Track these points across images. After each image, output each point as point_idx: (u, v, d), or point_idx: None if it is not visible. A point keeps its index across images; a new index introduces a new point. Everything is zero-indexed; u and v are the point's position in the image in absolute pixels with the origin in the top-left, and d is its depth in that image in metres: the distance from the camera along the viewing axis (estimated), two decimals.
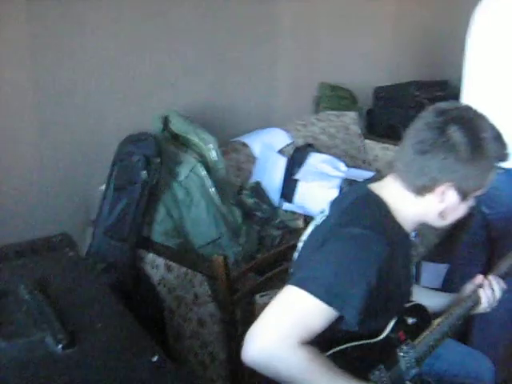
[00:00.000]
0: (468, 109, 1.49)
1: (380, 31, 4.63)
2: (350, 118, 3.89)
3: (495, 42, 2.33)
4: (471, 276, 1.79)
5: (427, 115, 1.45)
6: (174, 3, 2.89)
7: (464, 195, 1.47)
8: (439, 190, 1.44)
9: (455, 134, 1.39)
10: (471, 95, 2.50)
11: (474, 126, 1.42)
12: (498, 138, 1.45)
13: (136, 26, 2.75)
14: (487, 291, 1.71)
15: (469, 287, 1.76)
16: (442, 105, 1.48)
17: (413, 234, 2.78)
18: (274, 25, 3.52)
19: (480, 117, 1.46)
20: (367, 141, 4.00)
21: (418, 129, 1.45)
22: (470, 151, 1.39)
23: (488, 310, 1.74)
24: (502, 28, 2.30)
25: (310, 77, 3.96)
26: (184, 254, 2.43)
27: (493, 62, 2.36)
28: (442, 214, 1.51)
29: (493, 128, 1.45)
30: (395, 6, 4.70)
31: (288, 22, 3.61)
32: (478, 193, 1.50)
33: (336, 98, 4.05)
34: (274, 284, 1.95)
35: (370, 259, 1.35)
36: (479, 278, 1.75)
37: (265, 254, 2.12)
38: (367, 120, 4.55)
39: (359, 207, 1.49)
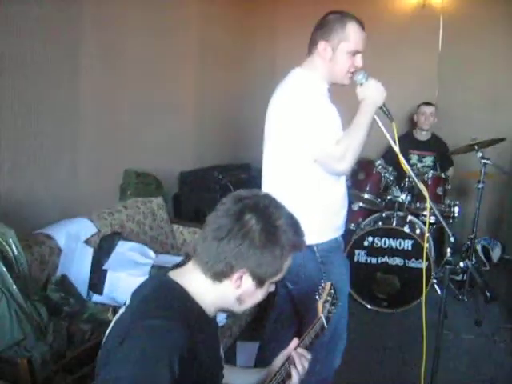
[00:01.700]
0: (265, 197, 1.55)
1: (183, 117, 4.77)
2: (157, 203, 3.91)
3: (279, 129, 2.51)
4: (279, 352, 1.81)
5: (226, 202, 1.51)
6: None
7: (260, 281, 1.52)
8: (235, 276, 1.48)
9: (250, 221, 1.45)
10: (266, 177, 2.66)
11: (269, 213, 1.49)
12: (293, 226, 1.53)
13: None
14: (297, 365, 1.74)
15: (279, 360, 1.77)
16: (242, 192, 1.54)
17: (224, 315, 2.81)
18: (75, 112, 3.48)
19: (276, 205, 1.53)
20: (175, 225, 4.02)
21: (217, 215, 1.49)
22: (263, 239, 1.46)
23: (298, 382, 1.77)
24: (279, 118, 2.49)
25: (114, 164, 3.93)
26: None
27: (277, 145, 2.54)
28: (239, 300, 1.55)
29: (289, 217, 1.53)
30: (194, 91, 4.89)
31: (90, 110, 3.59)
32: (276, 278, 1.56)
33: (142, 184, 4.05)
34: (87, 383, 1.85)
35: (169, 349, 1.33)
36: (292, 345, 1.78)
37: (75, 352, 2.02)
38: (174, 205, 4.60)
39: (157, 296, 1.48)
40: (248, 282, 1.52)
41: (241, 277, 1.50)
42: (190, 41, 4.77)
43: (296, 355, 1.73)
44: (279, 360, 1.77)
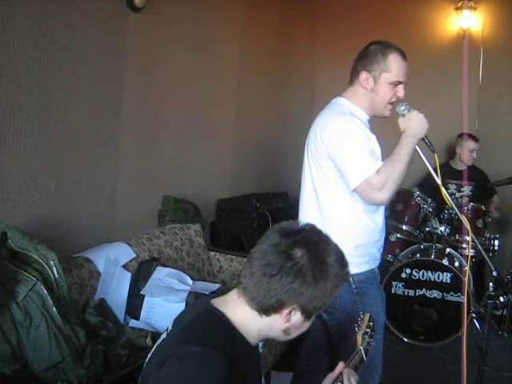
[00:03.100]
0: (313, 231, 1.55)
1: (220, 145, 4.80)
2: (194, 230, 3.93)
3: (320, 157, 2.52)
4: (314, 383, 1.80)
5: (273, 236, 1.50)
6: None
7: (309, 314, 1.52)
8: (285, 311, 1.48)
9: (301, 258, 1.45)
10: (304, 206, 2.66)
11: (319, 250, 1.49)
12: (340, 260, 1.53)
13: None
14: (345, 381, 1.73)
15: (327, 382, 1.77)
16: (288, 225, 1.54)
17: (260, 344, 2.80)
18: (115, 139, 3.53)
19: (325, 239, 1.54)
20: (212, 253, 4.03)
21: (265, 250, 1.48)
22: (315, 276, 1.45)
23: None
24: (320, 145, 2.50)
25: (153, 190, 3.98)
26: (22, 381, 2.24)
27: (317, 174, 2.55)
28: (286, 331, 1.55)
29: (337, 250, 1.54)
30: (234, 118, 4.93)
31: (129, 137, 3.65)
32: (322, 310, 1.56)
33: (180, 210, 4.08)
34: None
35: (208, 376, 1.33)
36: (338, 369, 1.77)
37: (111, 376, 2.03)
38: (211, 232, 4.62)
39: (199, 324, 1.49)
40: (297, 316, 1.52)
41: (290, 312, 1.50)
42: (231, 66, 4.82)
43: (345, 374, 1.72)
44: (326, 382, 1.76)
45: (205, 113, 4.48)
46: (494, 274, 2.35)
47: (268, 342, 2.10)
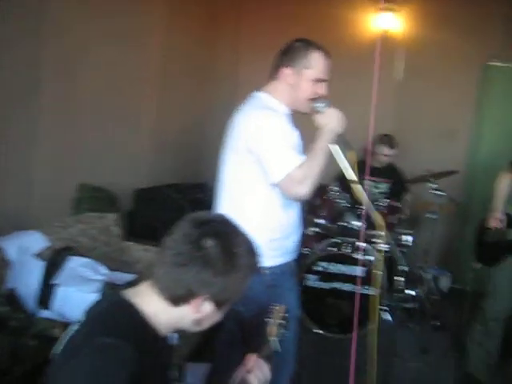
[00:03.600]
0: (224, 221, 1.57)
1: (140, 134, 4.74)
2: (111, 219, 3.87)
3: (240, 152, 2.52)
4: (231, 374, 1.81)
5: (184, 226, 1.50)
6: None
7: (220, 305, 1.53)
8: (196, 301, 1.48)
9: (212, 249, 1.45)
10: (221, 198, 2.66)
11: (229, 239, 1.50)
12: (251, 251, 1.55)
13: None
14: (258, 374, 1.75)
15: (238, 375, 1.79)
16: (200, 216, 1.54)
17: (175, 336, 2.79)
18: (31, 125, 3.43)
19: (236, 230, 1.55)
20: (128, 243, 3.99)
21: (176, 240, 1.48)
22: (225, 265, 1.47)
23: None
24: (239, 140, 2.51)
25: (70, 178, 3.89)
26: None
27: (236, 168, 2.56)
28: (197, 322, 1.55)
29: (247, 242, 1.55)
30: (155, 108, 4.88)
31: (47, 124, 3.55)
32: (234, 300, 1.57)
33: (97, 199, 4.01)
34: None
35: (118, 368, 1.33)
36: (250, 361, 1.79)
37: (20, 367, 1.98)
38: (128, 222, 4.56)
39: (111, 316, 1.47)
40: (208, 307, 1.53)
41: (201, 302, 1.50)
42: (152, 56, 4.76)
43: (256, 365, 1.76)
44: (238, 376, 1.78)
45: (125, 102, 4.42)
46: (404, 268, 2.43)
47: (183, 333, 2.09)
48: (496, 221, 3.81)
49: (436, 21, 5.96)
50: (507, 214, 3.85)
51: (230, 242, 1.50)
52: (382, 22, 5.96)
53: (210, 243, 1.46)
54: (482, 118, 6.10)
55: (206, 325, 1.59)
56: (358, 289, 4.25)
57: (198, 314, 1.52)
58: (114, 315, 1.47)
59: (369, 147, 5.36)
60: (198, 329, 1.59)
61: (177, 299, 1.50)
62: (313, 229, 4.74)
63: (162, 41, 4.83)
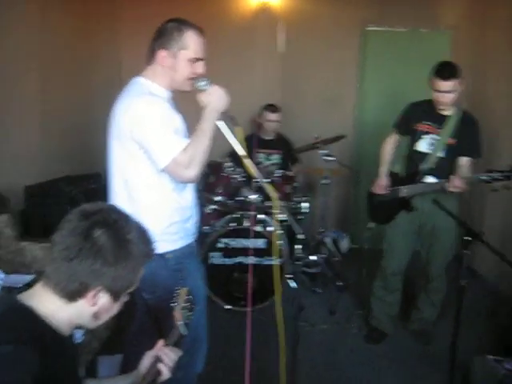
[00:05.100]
0: (113, 210, 1.54)
1: (26, 129, 4.56)
2: (2, 221, 3.72)
3: (124, 140, 2.48)
4: None
5: (72, 219, 1.47)
6: None
7: (116, 295, 1.52)
8: (90, 294, 1.46)
9: (100, 238, 1.43)
10: (113, 187, 2.62)
11: (118, 228, 1.48)
12: (142, 237, 1.53)
13: None
14: (166, 361, 1.76)
15: (145, 361, 1.79)
16: (87, 207, 1.51)
17: (80, 332, 2.75)
18: None
19: (125, 217, 1.53)
20: (23, 243, 3.85)
21: (64, 234, 1.45)
22: (116, 254, 1.45)
23: (169, 376, 1.78)
24: (122, 128, 2.47)
25: None
26: None
27: (123, 155, 2.52)
28: (95, 316, 1.54)
29: (139, 227, 1.54)
30: (40, 99, 4.70)
31: None
32: (131, 290, 1.56)
33: None
34: None
35: (22, 376, 1.30)
36: (157, 347, 1.80)
37: None
38: (21, 221, 4.40)
39: (6, 322, 1.42)
40: (104, 298, 1.51)
41: (96, 294, 1.48)
42: (31, 47, 4.57)
43: (163, 353, 1.76)
44: (146, 361, 1.78)
45: (6, 94, 4.22)
46: (300, 236, 2.49)
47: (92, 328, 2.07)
48: (380, 187, 3.98)
49: None
50: (394, 174, 4.02)
51: (119, 230, 1.48)
52: None
53: (98, 233, 1.44)
54: (364, 82, 6.31)
55: (105, 318, 1.58)
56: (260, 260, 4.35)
57: (95, 307, 1.50)
58: (10, 321, 1.42)
59: (257, 120, 5.45)
60: (97, 323, 1.58)
61: (71, 295, 1.47)
62: (211, 206, 4.74)
63: (39, 32, 4.64)
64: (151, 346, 1.82)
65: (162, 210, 2.53)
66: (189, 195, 2.65)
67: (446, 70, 3.54)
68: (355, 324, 4.36)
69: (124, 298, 1.58)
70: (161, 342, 1.79)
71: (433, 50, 5.93)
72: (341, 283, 4.95)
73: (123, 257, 1.47)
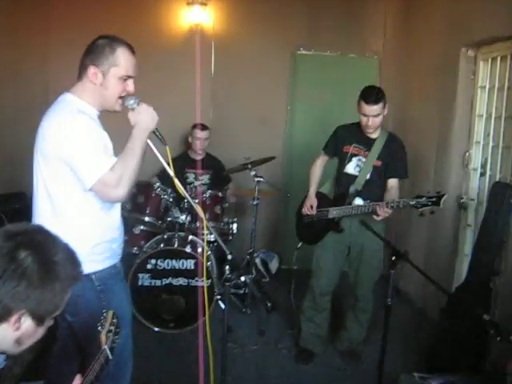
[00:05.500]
0: (38, 231, 1.49)
1: None
2: None
3: (50, 158, 2.40)
4: None
5: None
6: None
7: (40, 320, 1.46)
8: (13, 318, 1.41)
9: (26, 260, 1.38)
10: (38, 207, 2.53)
11: (44, 250, 1.43)
12: (70, 259, 1.49)
13: None
14: None
15: None
16: (12, 227, 1.46)
17: (2, 357, 2.63)
18: None
19: (51, 239, 1.48)
20: None
21: None
22: (42, 277, 1.40)
23: None
24: (48, 147, 2.40)
25: None
26: None
27: (48, 174, 2.44)
28: (18, 341, 1.47)
29: (65, 249, 1.49)
30: None
31: None
32: (56, 314, 1.51)
33: None
34: None
35: None
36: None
37: None
38: None
39: None
40: (27, 323, 1.45)
41: (19, 318, 1.42)
42: None
43: None
44: None
45: None
46: (229, 257, 2.48)
47: (9, 352, 1.99)
48: (309, 208, 4.01)
49: (245, 16, 6.21)
50: (323, 194, 4.07)
51: (45, 252, 1.43)
52: (193, 16, 6.02)
53: (23, 255, 1.39)
54: (294, 104, 6.40)
55: (29, 343, 1.52)
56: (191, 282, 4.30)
57: (17, 332, 1.44)
58: None
59: (188, 139, 5.45)
60: (20, 349, 1.51)
61: None
62: (140, 227, 4.68)
63: None
64: (73, 371, 1.76)
65: (88, 230, 2.46)
66: (116, 214, 2.60)
67: (370, 95, 3.65)
68: (285, 344, 4.36)
69: (49, 323, 1.52)
70: (78, 379, 1.72)
71: (361, 74, 6.11)
72: (270, 304, 4.94)
73: (49, 279, 1.41)
